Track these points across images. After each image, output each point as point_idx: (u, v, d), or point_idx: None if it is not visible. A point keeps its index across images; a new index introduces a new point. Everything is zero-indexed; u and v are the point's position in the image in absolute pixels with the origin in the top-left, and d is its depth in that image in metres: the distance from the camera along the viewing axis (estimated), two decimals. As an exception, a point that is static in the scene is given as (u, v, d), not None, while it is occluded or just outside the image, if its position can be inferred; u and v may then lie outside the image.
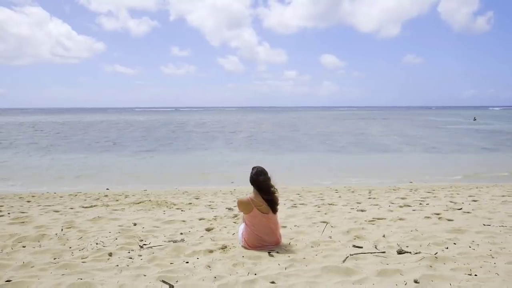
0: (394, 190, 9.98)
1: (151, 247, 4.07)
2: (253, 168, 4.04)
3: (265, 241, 3.96)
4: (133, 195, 9.45)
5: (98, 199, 8.83)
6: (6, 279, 3.04)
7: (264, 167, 4.05)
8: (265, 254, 3.75)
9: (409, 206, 6.86)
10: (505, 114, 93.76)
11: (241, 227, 4.17)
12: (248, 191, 7.66)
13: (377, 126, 43.99)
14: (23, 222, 5.37)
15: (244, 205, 3.98)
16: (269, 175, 4.01)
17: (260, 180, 3.92)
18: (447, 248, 3.87)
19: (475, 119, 55.52)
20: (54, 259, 3.62)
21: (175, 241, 4.34)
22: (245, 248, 4.00)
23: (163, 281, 2.90)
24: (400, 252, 3.71)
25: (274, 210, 3.98)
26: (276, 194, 4.00)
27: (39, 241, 4.33)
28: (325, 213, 6.20)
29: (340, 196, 8.83)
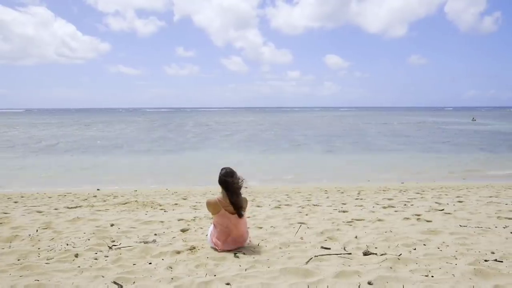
0: (383, 191, 9.94)
1: (119, 248, 4.07)
2: (222, 169, 4.03)
3: (233, 241, 3.95)
4: (122, 196, 9.47)
5: (86, 199, 8.84)
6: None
7: (232, 168, 4.04)
8: (231, 255, 3.74)
9: (393, 207, 6.83)
10: (506, 114, 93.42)
11: (210, 228, 4.17)
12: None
13: (376, 127, 43.90)
14: (0, 223, 5.38)
15: (212, 206, 3.98)
16: (238, 176, 3.99)
17: (228, 182, 3.91)
18: (415, 249, 3.86)
19: (474, 120, 55.19)
20: (18, 260, 3.62)
21: (146, 242, 4.33)
22: (214, 249, 3.99)
23: (114, 282, 2.90)
24: (365, 253, 3.69)
25: (239, 214, 3.94)
26: (242, 197, 3.98)
27: (10, 242, 4.33)
28: (306, 214, 6.18)
29: (328, 197, 8.80)
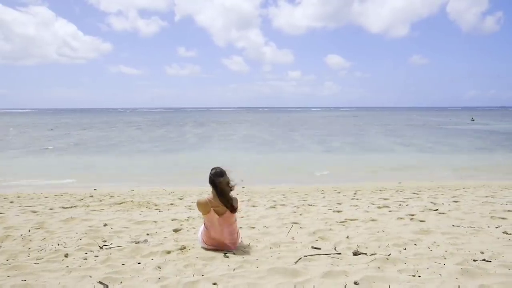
0: (380, 191, 9.92)
1: (110, 248, 4.07)
2: (212, 169, 4.03)
3: (223, 241, 3.95)
4: (118, 196, 9.47)
5: (82, 199, 8.84)
6: None
7: (222, 168, 4.04)
8: (221, 255, 3.73)
9: (388, 207, 6.82)
10: (506, 114, 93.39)
11: (201, 228, 4.17)
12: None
13: (376, 127, 43.89)
14: (-6, 223, 5.38)
15: (202, 206, 3.98)
16: (228, 175, 3.99)
17: (217, 182, 3.91)
18: (405, 249, 3.85)
19: (473, 120, 55.06)
20: (7, 260, 3.62)
21: (137, 242, 4.33)
22: (204, 249, 3.99)
23: (100, 282, 2.90)
24: (355, 253, 3.69)
25: (232, 210, 3.95)
26: (232, 196, 3.98)
27: (1, 242, 4.33)
28: (300, 214, 6.17)
29: (324, 197, 8.78)
